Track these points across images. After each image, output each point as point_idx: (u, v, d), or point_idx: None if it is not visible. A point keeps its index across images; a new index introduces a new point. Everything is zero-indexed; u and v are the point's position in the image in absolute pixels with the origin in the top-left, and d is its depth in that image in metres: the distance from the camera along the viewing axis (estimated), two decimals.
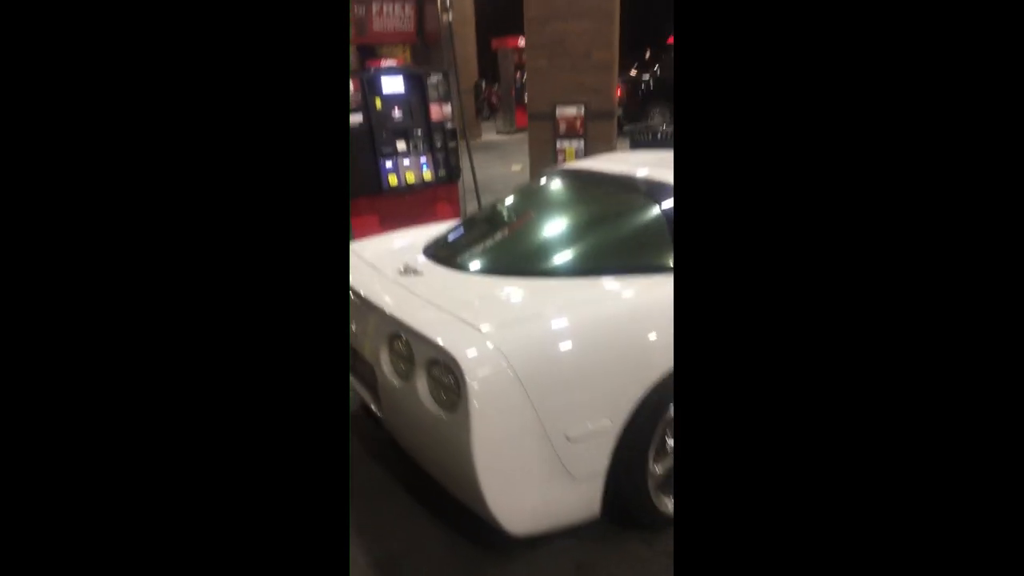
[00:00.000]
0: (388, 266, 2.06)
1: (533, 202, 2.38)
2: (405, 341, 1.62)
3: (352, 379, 2.06)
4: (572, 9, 4.15)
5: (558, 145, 4.50)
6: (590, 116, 4.35)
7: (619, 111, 11.11)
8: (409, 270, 1.98)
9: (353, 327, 1.94)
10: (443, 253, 2.09)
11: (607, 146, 4.46)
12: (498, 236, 2.18)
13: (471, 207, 4.29)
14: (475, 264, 1.98)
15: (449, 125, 3.83)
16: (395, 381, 1.67)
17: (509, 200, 2.43)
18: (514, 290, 1.74)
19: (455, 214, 4.09)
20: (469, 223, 2.36)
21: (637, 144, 4.90)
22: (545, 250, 1.97)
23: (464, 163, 4.02)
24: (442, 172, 3.87)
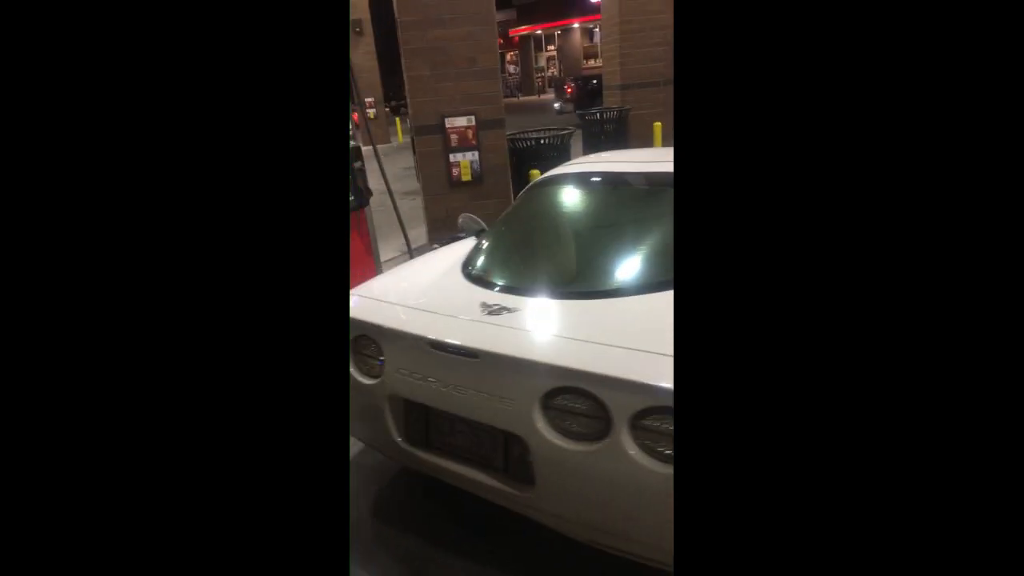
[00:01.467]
0: (452, 308, 1.64)
1: (595, 212, 2.09)
2: (587, 394, 1.27)
3: (434, 458, 1.59)
4: (449, 13, 3.88)
5: (451, 158, 4.19)
6: (481, 126, 4.13)
7: (569, 106, 13.39)
8: (493, 308, 1.59)
9: (439, 388, 1.49)
10: (516, 282, 1.73)
11: (501, 157, 4.28)
12: (582, 254, 1.88)
13: (386, 237, 3.77)
14: (574, 289, 1.67)
15: (352, 143, 3.30)
16: (571, 447, 1.30)
17: (555, 212, 2.12)
18: (650, 309, 1.49)
19: (366, 248, 3.54)
20: (510, 243, 2.01)
21: (516, 147, 4.81)
22: (657, 261, 1.72)
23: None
24: (351, 199, 3.32)
